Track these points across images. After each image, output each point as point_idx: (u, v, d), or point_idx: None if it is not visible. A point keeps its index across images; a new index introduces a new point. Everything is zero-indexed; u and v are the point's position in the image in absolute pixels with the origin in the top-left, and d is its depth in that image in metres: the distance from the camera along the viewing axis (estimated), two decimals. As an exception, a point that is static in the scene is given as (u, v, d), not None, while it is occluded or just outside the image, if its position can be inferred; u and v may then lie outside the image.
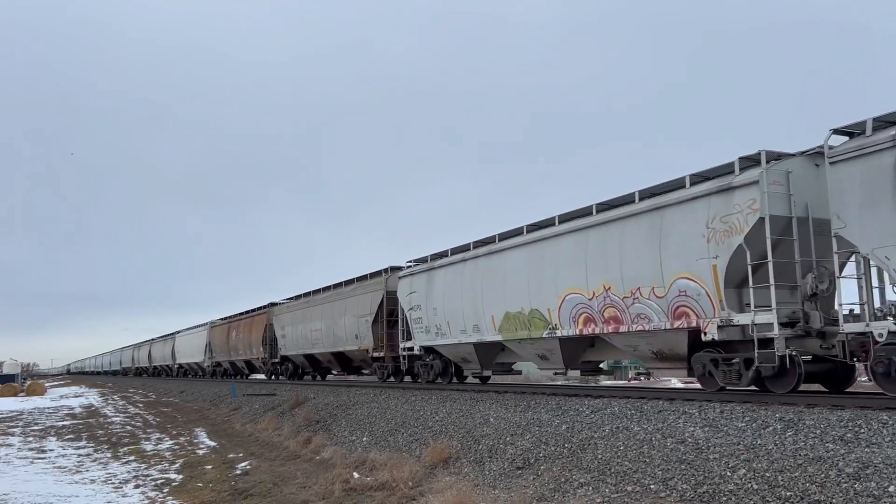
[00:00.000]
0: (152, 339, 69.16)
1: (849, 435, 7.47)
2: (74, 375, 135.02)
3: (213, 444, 18.29)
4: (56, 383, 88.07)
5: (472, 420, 12.72)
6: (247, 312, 37.63)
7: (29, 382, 62.24)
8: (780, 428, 8.19)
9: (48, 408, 36.28)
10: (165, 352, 59.56)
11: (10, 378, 59.97)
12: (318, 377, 30.64)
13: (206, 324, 45.68)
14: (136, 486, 12.55)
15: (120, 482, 13.08)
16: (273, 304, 33.60)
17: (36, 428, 24.88)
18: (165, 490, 12.13)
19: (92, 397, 46.85)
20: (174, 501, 11.23)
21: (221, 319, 42.83)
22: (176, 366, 56.36)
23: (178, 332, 55.60)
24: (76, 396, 49.52)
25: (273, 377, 34.59)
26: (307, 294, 29.31)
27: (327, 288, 27.30)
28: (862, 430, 7.51)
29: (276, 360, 32.30)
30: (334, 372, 28.91)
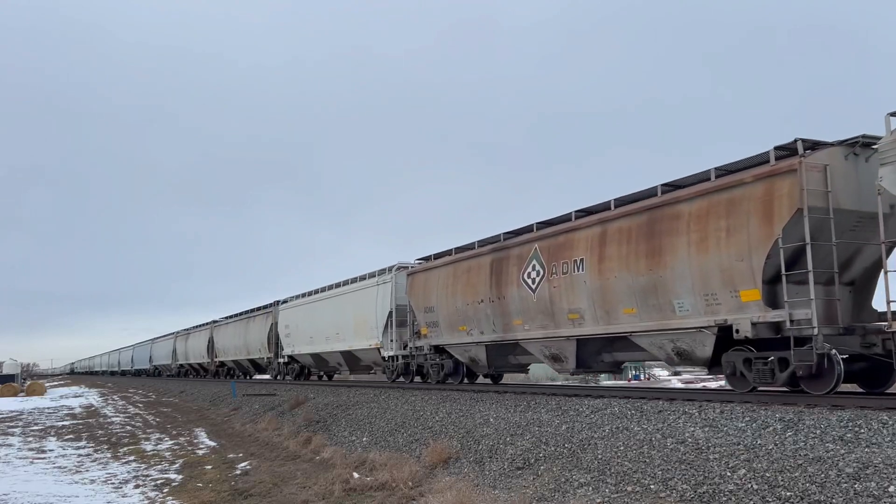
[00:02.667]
0: (215, 322, 44.13)
1: (849, 435, 7.46)
2: (76, 376, 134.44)
3: (213, 444, 18.29)
4: (56, 383, 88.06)
5: (472, 420, 12.72)
6: (543, 225, 14.77)
7: (29, 382, 62.28)
8: (780, 428, 8.18)
9: (48, 408, 36.28)
10: (252, 339, 36.13)
11: (10, 378, 60.07)
12: None
13: (389, 269, 21.62)
14: (136, 486, 12.55)
15: (120, 482, 13.08)
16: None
17: (36, 428, 24.88)
18: (165, 490, 12.13)
19: (92, 397, 46.86)
20: (174, 501, 11.23)
21: (422, 259, 20.15)
22: (279, 361, 32.13)
23: (284, 300, 31.89)
24: (76, 396, 49.52)
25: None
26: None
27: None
28: (862, 430, 7.51)
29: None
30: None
